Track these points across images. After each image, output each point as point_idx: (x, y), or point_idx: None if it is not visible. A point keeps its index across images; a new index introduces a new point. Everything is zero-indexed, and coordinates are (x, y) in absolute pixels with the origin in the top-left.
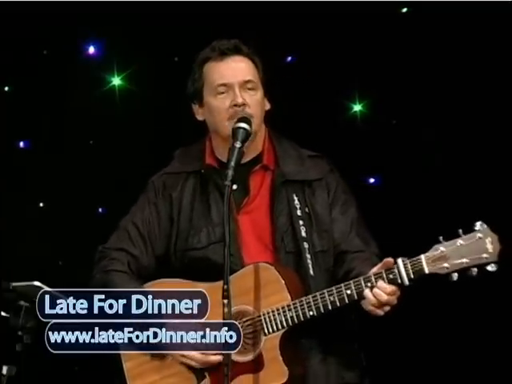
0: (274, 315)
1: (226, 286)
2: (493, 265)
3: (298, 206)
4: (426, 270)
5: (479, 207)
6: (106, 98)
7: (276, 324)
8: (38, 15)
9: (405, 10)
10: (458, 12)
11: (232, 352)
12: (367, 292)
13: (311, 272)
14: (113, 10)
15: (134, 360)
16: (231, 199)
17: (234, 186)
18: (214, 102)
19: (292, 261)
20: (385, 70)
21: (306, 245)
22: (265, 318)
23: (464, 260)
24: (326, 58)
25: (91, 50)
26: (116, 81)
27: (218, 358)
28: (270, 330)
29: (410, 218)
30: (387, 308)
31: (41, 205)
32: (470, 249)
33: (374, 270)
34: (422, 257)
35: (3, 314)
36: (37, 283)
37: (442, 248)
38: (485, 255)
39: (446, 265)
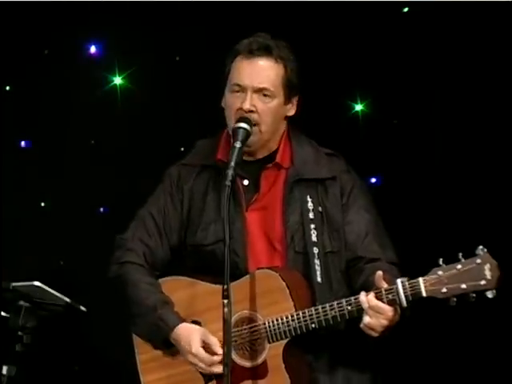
0: (277, 324)
1: (226, 286)
2: (494, 291)
3: (310, 208)
4: (424, 294)
5: (479, 207)
6: (107, 98)
7: (280, 333)
8: (39, 15)
9: (406, 9)
10: (458, 12)
11: (232, 352)
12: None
13: (318, 279)
14: (114, 10)
15: (146, 354)
16: (241, 195)
17: (246, 182)
18: (229, 98)
19: (301, 261)
20: (386, 69)
21: (315, 250)
22: (269, 327)
23: (462, 286)
24: (327, 57)
25: (92, 49)
26: (117, 80)
27: (221, 369)
28: (274, 339)
29: (411, 217)
30: (379, 329)
31: (42, 204)
32: (469, 274)
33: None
34: (420, 280)
35: (3, 313)
36: (37, 283)
37: (440, 272)
38: (483, 282)
39: (443, 289)
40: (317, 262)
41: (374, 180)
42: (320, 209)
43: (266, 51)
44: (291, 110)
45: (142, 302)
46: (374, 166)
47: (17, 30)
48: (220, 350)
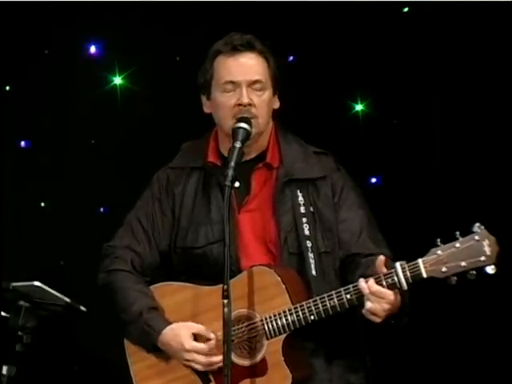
0: (275, 319)
1: (225, 286)
2: (493, 267)
3: (301, 203)
4: (424, 275)
5: (480, 206)
6: (107, 98)
7: (278, 328)
8: (39, 14)
9: (406, 9)
10: (459, 12)
11: (232, 352)
12: (365, 291)
13: (313, 272)
14: (114, 10)
15: (140, 363)
16: (233, 198)
17: (237, 184)
18: (221, 98)
19: (295, 262)
20: (386, 69)
21: (309, 243)
22: (266, 323)
23: (462, 263)
24: (328, 57)
25: (92, 49)
26: (117, 80)
27: (221, 358)
28: (273, 335)
29: (411, 217)
30: (382, 314)
31: (42, 204)
32: (468, 252)
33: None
34: (420, 261)
35: (3, 313)
36: (37, 283)
37: (439, 252)
38: (482, 258)
39: (443, 269)
40: (311, 255)
41: (374, 180)
42: (312, 209)
43: (249, 46)
44: (277, 103)
45: (129, 309)
46: (374, 166)
47: (17, 29)
48: (212, 335)
